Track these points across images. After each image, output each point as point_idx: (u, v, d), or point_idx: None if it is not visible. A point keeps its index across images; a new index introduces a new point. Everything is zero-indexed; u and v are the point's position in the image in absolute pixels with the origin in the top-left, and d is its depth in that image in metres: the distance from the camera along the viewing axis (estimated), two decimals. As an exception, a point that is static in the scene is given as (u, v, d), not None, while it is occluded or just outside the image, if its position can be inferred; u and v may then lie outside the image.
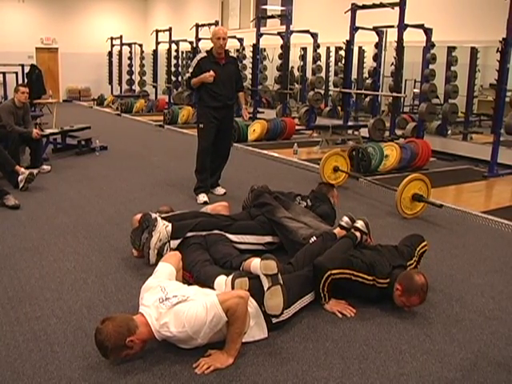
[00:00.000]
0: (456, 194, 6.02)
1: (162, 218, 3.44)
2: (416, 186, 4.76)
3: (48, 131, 7.52)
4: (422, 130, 7.79)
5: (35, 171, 5.59)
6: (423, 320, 2.83)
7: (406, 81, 9.25)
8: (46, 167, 6.39)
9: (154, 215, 3.42)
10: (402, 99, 8.85)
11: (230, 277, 2.68)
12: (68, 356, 2.40)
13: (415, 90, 9.80)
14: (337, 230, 3.41)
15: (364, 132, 8.31)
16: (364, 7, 7.97)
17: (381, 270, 2.90)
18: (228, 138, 5.41)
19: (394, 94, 7.68)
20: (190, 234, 3.42)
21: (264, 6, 13.69)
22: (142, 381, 2.24)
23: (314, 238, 3.32)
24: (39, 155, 6.42)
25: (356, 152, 6.44)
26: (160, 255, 3.24)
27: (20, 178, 5.41)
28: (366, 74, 9.45)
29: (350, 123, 9.01)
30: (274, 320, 2.63)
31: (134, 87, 15.81)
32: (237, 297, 2.32)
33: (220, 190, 5.44)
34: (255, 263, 2.77)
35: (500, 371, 2.38)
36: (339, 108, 9.92)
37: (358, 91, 9.57)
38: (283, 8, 12.64)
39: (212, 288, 2.74)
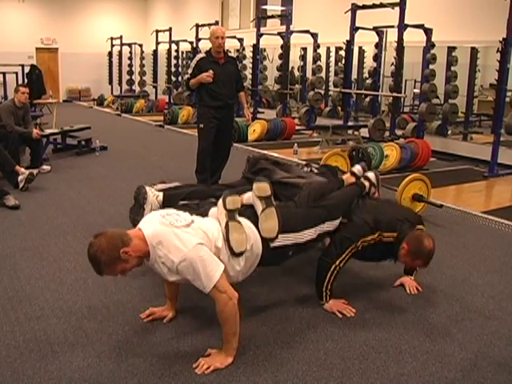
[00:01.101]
0: (456, 194, 6.02)
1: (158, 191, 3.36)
2: (416, 186, 4.76)
3: (48, 131, 7.53)
4: (422, 130, 7.79)
5: (35, 171, 5.59)
6: (423, 320, 2.83)
7: (406, 81, 9.25)
8: (45, 167, 6.39)
9: (145, 188, 3.33)
10: (402, 99, 8.84)
11: (221, 197, 2.61)
12: (68, 356, 2.40)
13: (415, 90, 9.80)
14: (346, 176, 3.28)
15: (364, 132, 8.31)
16: (364, 7, 7.97)
17: (387, 221, 2.83)
18: (228, 138, 5.41)
19: (394, 94, 7.68)
20: (182, 203, 3.32)
21: (264, 6, 13.70)
22: (142, 381, 2.24)
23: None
24: (39, 155, 6.42)
25: (356, 152, 6.43)
26: None
27: (20, 178, 5.41)
28: (366, 74, 9.45)
29: (350, 123, 9.01)
30: (272, 244, 2.59)
31: (134, 87, 15.81)
32: (226, 293, 2.25)
33: (220, 190, 5.42)
34: (247, 194, 2.75)
35: (500, 371, 2.38)
36: (339, 108, 9.92)
37: (358, 91, 9.57)
38: (283, 8, 12.65)
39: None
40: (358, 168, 3.29)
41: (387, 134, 7.93)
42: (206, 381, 2.24)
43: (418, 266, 2.84)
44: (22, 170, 5.45)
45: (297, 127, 9.76)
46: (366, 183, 3.17)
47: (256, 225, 2.59)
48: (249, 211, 2.66)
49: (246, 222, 2.57)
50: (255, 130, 9.03)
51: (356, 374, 2.32)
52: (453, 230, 4.49)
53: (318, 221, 2.83)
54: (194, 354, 2.40)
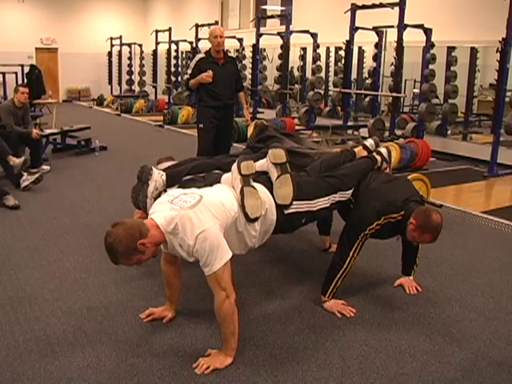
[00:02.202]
0: (456, 194, 6.02)
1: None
2: (416, 186, 4.74)
3: (48, 131, 7.51)
4: (421, 130, 7.79)
5: (39, 172, 5.59)
6: (423, 320, 2.83)
7: (405, 81, 9.25)
8: (45, 167, 6.38)
9: (149, 165, 3.29)
10: (402, 99, 8.85)
11: (236, 162, 2.58)
12: (68, 356, 2.40)
13: (415, 90, 9.80)
14: (358, 149, 3.23)
15: (364, 132, 8.31)
16: (364, 7, 7.97)
17: (394, 204, 2.82)
18: (228, 138, 5.41)
19: (394, 94, 7.68)
20: (187, 178, 3.27)
21: (264, 6, 13.69)
22: (141, 381, 2.23)
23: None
24: (39, 155, 6.42)
25: (356, 152, 6.43)
26: None
27: (24, 178, 5.44)
28: (365, 74, 9.46)
29: (349, 123, 9.01)
30: (286, 211, 2.58)
31: (133, 87, 15.81)
32: (225, 291, 2.24)
33: (220, 190, 5.42)
34: (261, 161, 2.73)
35: (500, 371, 2.38)
36: (339, 108, 9.91)
37: (358, 91, 9.57)
38: (283, 8, 12.64)
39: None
40: (370, 142, 3.24)
41: (387, 133, 7.93)
42: (206, 381, 2.24)
43: (427, 240, 2.80)
44: (14, 159, 5.43)
45: (296, 127, 9.75)
46: (378, 157, 3.14)
47: (270, 191, 2.57)
48: (263, 177, 2.64)
49: (260, 188, 2.55)
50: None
51: (356, 374, 2.32)
52: (453, 229, 4.49)
53: (331, 190, 2.82)
54: (194, 354, 2.40)
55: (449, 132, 8.55)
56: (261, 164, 2.74)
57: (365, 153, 3.20)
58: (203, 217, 2.24)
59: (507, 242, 4.21)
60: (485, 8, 7.97)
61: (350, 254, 2.81)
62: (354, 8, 8.09)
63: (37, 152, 6.36)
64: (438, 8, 8.79)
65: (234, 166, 2.59)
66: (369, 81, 8.57)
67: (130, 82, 15.69)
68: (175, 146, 8.83)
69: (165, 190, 3.20)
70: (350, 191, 2.94)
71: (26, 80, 12.60)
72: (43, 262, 3.53)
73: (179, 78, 13.45)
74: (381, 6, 7.53)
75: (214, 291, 2.27)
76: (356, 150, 3.23)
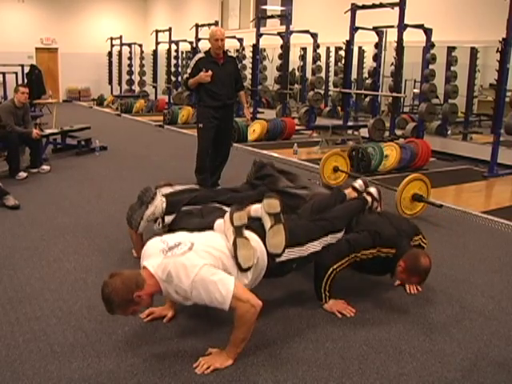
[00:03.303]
0: (456, 194, 6.02)
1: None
2: (416, 186, 4.76)
3: (48, 131, 7.53)
4: (421, 130, 7.79)
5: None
6: (423, 320, 2.83)
7: (405, 81, 9.25)
8: (45, 167, 6.39)
9: (153, 189, 3.37)
10: (402, 99, 8.85)
11: (228, 212, 2.63)
12: (68, 356, 2.40)
13: (415, 90, 9.80)
14: (348, 191, 3.32)
15: (364, 132, 8.30)
16: (364, 7, 7.96)
17: (387, 237, 2.86)
18: (228, 138, 5.42)
19: (394, 94, 7.68)
20: (185, 208, 3.35)
21: (264, 6, 13.69)
22: (142, 381, 2.24)
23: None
24: (39, 155, 6.43)
25: (356, 152, 6.43)
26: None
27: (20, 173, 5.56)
28: (365, 74, 9.44)
29: (349, 123, 9.00)
30: (277, 259, 2.62)
31: (133, 87, 15.80)
32: (248, 302, 2.24)
33: (220, 190, 5.43)
34: (255, 206, 2.76)
35: (500, 371, 2.38)
36: (339, 108, 9.90)
37: (358, 91, 9.56)
38: (283, 8, 12.64)
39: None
40: (359, 183, 3.34)
41: (387, 133, 7.93)
42: (206, 381, 2.24)
43: (414, 282, 2.89)
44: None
45: (297, 127, 9.76)
46: (369, 198, 3.23)
47: (262, 238, 2.61)
48: (256, 224, 2.67)
49: (252, 236, 2.58)
50: (255, 130, 9.03)
51: (356, 374, 2.32)
52: (453, 230, 4.49)
53: (322, 233, 2.86)
54: (194, 354, 2.40)
55: (449, 132, 8.55)
56: (255, 209, 2.76)
57: (355, 194, 3.29)
58: (194, 261, 2.27)
59: (507, 242, 4.21)
60: (485, 8, 7.96)
61: (334, 267, 2.81)
62: (354, 8, 8.08)
63: (37, 152, 6.37)
64: (438, 8, 8.79)
65: (227, 217, 2.62)
66: (369, 81, 8.56)
67: (130, 82, 15.69)
68: (175, 146, 8.84)
69: (162, 218, 3.30)
70: (341, 234, 2.97)
71: (26, 80, 12.59)
72: (43, 262, 3.53)
73: (179, 78, 13.45)
74: (381, 6, 7.52)
75: (236, 308, 2.24)
76: (346, 191, 3.32)
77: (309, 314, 2.84)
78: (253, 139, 8.89)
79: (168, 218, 3.33)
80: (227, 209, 3.25)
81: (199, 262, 2.27)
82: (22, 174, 5.97)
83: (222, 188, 3.69)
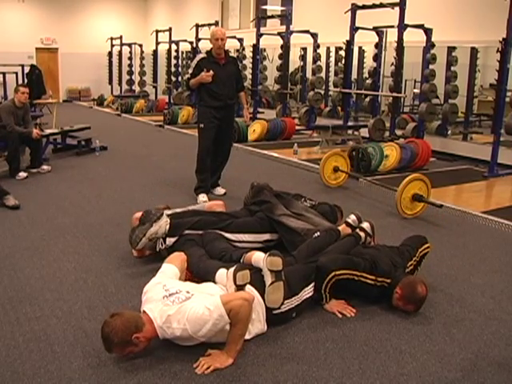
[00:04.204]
0: (456, 194, 6.02)
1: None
2: (416, 186, 4.76)
3: (48, 131, 7.53)
4: (422, 130, 7.79)
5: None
6: (423, 320, 2.83)
7: (406, 81, 9.25)
8: (45, 167, 6.39)
9: (161, 210, 3.44)
10: (402, 99, 8.85)
11: (232, 269, 2.68)
12: (68, 356, 2.40)
13: (415, 90, 9.80)
14: (342, 227, 3.42)
15: (364, 132, 8.31)
16: (364, 7, 7.96)
17: (383, 268, 2.91)
18: (228, 138, 5.41)
19: (394, 94, 7.68)
20: (187, 232, 3.42)
21: (264, 6, 13.70)
22: (142, 381, 2.24)
23: (318, 233, 3.32)
24: (39, 155, 6.43)
25: (356, 152, 6.43)
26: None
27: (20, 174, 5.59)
28: (366, 74, 9.45)
29: (349, 123, 9.00)
30: (275, 311, 2.65)
31: (133, 87, 15.82)
32: (241, 298, 2.32)
33: (220, 190, 5.44)
34: (257, 256, 2.80)
35: (500, 371, 2.38)
36: (339, 108, 9.90)
37: (358, 91, 9.56)
38: (283, 8, 12.64)
39: (213, 281, 2.75)
40: (352, 218, 3.43)
41: (387, 134, 7.93)
42: (206, 381, 2.24)
43: (409, 310, 2.88)
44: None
45: (297, 127, 9.76)
46: (362, 234, 3.30)
47: (261, 292, 2.63)
48: (256, 276, 2.69)
49: (252, 291, 2.60)
50: (255, 130, 9.03)
51: (356, 374, 2.32)
52: (453, 230, 4.49)
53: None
54: (194, 354, 2.39)
55: (449, 132, 8.55)
56: (257, 260, 2.79)
57: (349, 230, 3.37)
58: (187, 308, 2.31)
59: (507, 242, 4.21)
60: (485, 8, 7.96)
61: (337, 273, 2.81)
62: (355, 8, 8.08)
63: (37, 152, 6.37)
64: (438, 8, 8.79)
65: (230, 274, 2.65)
66: (369, 81, 8.56)
67: (131, 82, 15.70)
68: (175, 146, 8.84)
69: (163, 238, 3.37)
70: None
71: (26, 80, 12.58)
72: (43, 262, 3.53)
73: (179, 78, 13.46)
74: (381, 6, 7.53)
75: (232, 309, 2.28)
76: (340, 228, 3.40)
77: (309, 314, 2.84)
78: (253, 139, 8.90)
79: (169, 240, 3.39)
80: (227, 234, 3.43)
81: (191, 305, 2.33)
82: (22, 174, 5.97)
83: (222, 214, 3.74)
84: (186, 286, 2.58)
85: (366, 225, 3.36)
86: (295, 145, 7.76)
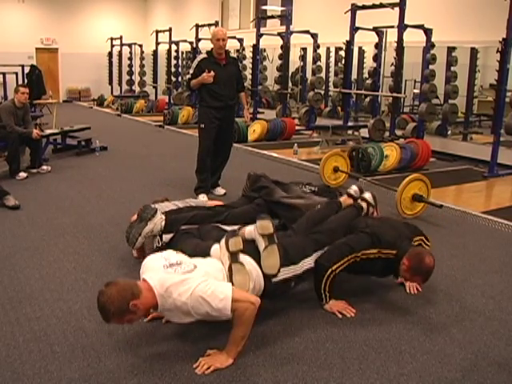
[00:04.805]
0: (456, 194, 6.02)
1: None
2: (416, 186, 4.76)
3: (48, 131, 7.53)
4: (421, 130, 7.79)
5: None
6: (423, 320, 2.83)
7: (405, 81, 9.25)
8: (45, 167, 6.39)
9: (154, 207, 3.39)
10: (402, 99, 8.85)
11: (224, 238, 2.65)
12: (68, 356, 2.40)
13: (415, 91, 9.80)
14: (343, 198, 3.32)
15: (364, 132, 8.31)
16: (364, 7, 7.97)
17: (387, 239, 2.86)
18: (229, 139, 5.42)
19: (394, 95, 7.68)
20: (184, 227, 3.37)
21: (264, 7, 13.70)
22: (142, 381, 2.24)
23: (319, 206, 3.27)
24: (39, 155, 6.43)
25: (356, 152, 6.44)
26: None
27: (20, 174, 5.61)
28: (365, 75, 9.45)
29: (349, 123, 9.00)
30: (273, 280, 2.63)
31: (134, 87, 15.82)
32: (248, 301, 2.28)
33: (220, 191, 5.44)
34: (249, 228, 2.79)
35: (500, 372, 2.38)
36: (339, 108, 9.91)
37: (358, 91, 9.57)
38: (283, 8, 12.64)
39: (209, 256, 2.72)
40: (354, 189, 3.34)
41: (387, 134, 7.93)
42: (206, 381, 2.24)
43: (417, 282, 2.88)
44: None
45: (297, 127, 9.76)
46: (364, 204, 3.24)
47: (257, 260, 2.62)
48: (250, 246, 2.69)
49: (247, 260, 2.60)
50: (255, 130, 9.03)
51: (356, 374, 2.32)
52: (453, 230, 4.49)
53: (317, 247, 2.88)
54: (194, 354, 2.40)
55: (449, 132, 8.56)
56: (249, 232, 2.78)
57: (350, 201, 3.29)
58: (194, 279, 2.29)
59: (507, 242, 4.21)
60: (485, 8, 7.97)
61: (333, 268, 2.80)
62: (354, 8, 8.09)
63: (37, 152, 6.37)
64: (438, 8, 8.79)
65: (223, 243, 2.64)
66: (369, 81, 8.57)
67: (131, 83, 15.70)
68: (175, 146, 8.84)
69: (160, 235, 3.31)
70: None
71: (26, 80, 12.58)
72: (43, 262, 3.53)
73: (179, 79, 13.45)
74: (381, 6, 7.53)
75: (236, 310, 2.27)
76: (341, 199, 3.32)
77: (309, 315, 2.84)
78: (253, 139, 8.90)
79: (166, 237, 3.35)
80: (225, 227, 3.34)
81: (199, 278, 2.31)
82: (22, 175, 5.97)
83: (219, 206, 3.71)
84: (187, 257, 2.53)
85: (367, 195, 3.27)
86: (295, 145, 7.76)
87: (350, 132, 9.00)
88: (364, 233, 2.90)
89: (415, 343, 2.59)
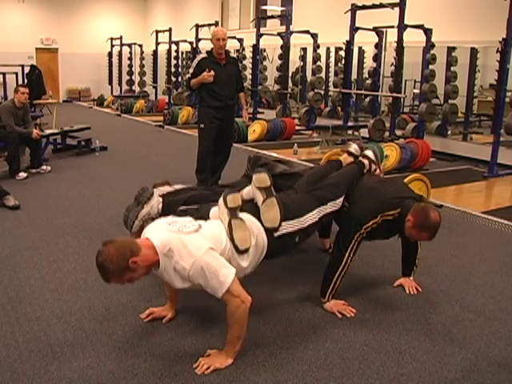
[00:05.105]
0: (456, 194, 6.02)
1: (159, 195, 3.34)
2: (416, 186, 4.75)
3: (48, 131, 7.52)
4: (421, 130, 7.79)
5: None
6: (423, 320, 2.83)
7: (405, 81, 9.25)
8: (45, 167, 6.39)
9: (151, 189, 3.33)
10: (402, 99, 8.85)
11: (222, 196, 2.61)
12: (68, 356, 2.40)
13: (415, 91, 9.80)
14: (343, 157, 3.22)
15: (364, 132, 8.31)
16: (364, 7, 7.97)
17: (388, 202, 2.80)
18: (228, 139, 5.42)
19: (394, 95, 7.68)
20: (182, 208, 3.28)
21: (264, 7, 13.70)
22: (142, 381, 2.24)
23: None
24: (39, 156, 6.43)
25: (356, 152, 6.42)
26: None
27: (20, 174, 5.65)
28: (365, 75, 9.45)
29: (349, 123, 9.01)
30: (275, 234, 2.59)
31: (133, 88, 15.82)
32: (239, 297, 2.24)
33: (220, 191, 5.43)
34: (247, 189, 2.76)
35: (500, 371, 2.38)
36: (339, 108, 9.91)
37: (358, 91, 9.57)
38: (283, 8, 12.64)
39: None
40: (354, 147, 3.21)
41: (387, 134, 7.93)
42: (206, 381, 2.24)
43: (424, 239, 2.79)
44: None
45: (297, 127, 9.76)
46: (365, 161, 3.12)
47: (258, 217, 2.58)
48: (249, 205, 2.65)
49: (247, 217, 2.56)
50: (255, 130, 9.03)
51: (356, 375, 2.32)
52: (453, 230, 4.49)
53: (320, 202, 2.81)
54: (194, 354, 2.39)
55: (449, 132, 8.56)
56: (247, 191, 2.75)
57: (351, 159, 3.18)
58: (199, 243, 2.25)
59: (507, 242, 4.21)
60: (485, 8, 7.97)
61: (346, 255, 2.80)
62: (354, 8, 8.09)
63: (37, 152, 6.37)
64: (438, 8, 8.79)
65: (221, 200, 2.60)
66: (369, 81, 8.57)
67: (131, 83, 15.70)
68: (175, 146, 8.84)
69: (158, 218, 3.22)
70: (340, 200, 2.91)
71: (26, 80, 12.59)
72: (43, 262, 3.53)
73: (179, 79, 13.45)
74: (381, 6, 7.53)
75: (227, 302, 2.25)
76: (341, 157, 3.22)
77: (309, 315, 2.84)
78: (253, 139, 8.90)
79: None
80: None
81: (205, 244, 2.26)
82: (22, 175, 5.97)
83: (217, 186, 3.64)
84: (192, 219, 2.48)
85: (369, 152, 3.16)
86: (295, 145, 7.76)
87: (350, 132, 9.00)
88: (362, 207, 2.82)
89: (415, 343, 2.59)
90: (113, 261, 2.14)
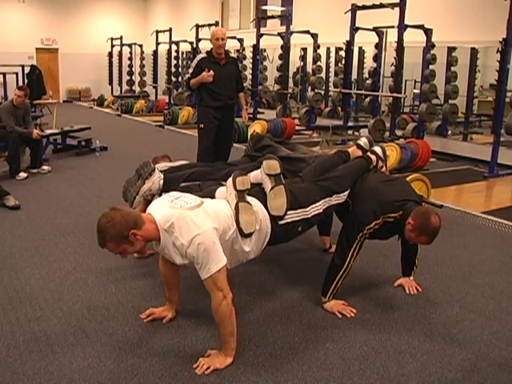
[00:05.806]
0: (456, 194, 6.02)
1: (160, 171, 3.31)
2: (416, 186, 4.74)
3: (48, 132, 7.52)
4: (422, 130, 7.78)
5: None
6: (423, 320, 2.83)
7: (406, 81, 9.25)
8: (46, 168, 6.38)
9: (152, 165, 3.29)
10: (402, 100, 8.85)
11: (231, 177, 2.59)
12: (68, 356, 2.40)
13: (415, 91, 9.81)
14: (352, 149, 3.20)
15: (364, 132, 8.31)
16: (364, 8, 7.97)
17: (391, 205, 2.79)
18: (228, 139, 5.42)
19: (394, 95, 7.68)
20: (183, 184, 3.26)
21: (264, 7, 13.70)
22: (142, 381, 2.23)
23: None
24: (39, 156, 6.43)
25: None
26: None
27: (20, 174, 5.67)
28: (366, 75, 9.46)
29: (350, 124, 9.01)
30: (280, 222, 2.58)
31: (134, 88, 15.82)
32: (221, 292, 2.23)
33: (220, 191, 5.43)
34: (255, 172, 2.74)
35: (500, 372, 2.37)
36: (339, 108, 9.92)
37: (358, 92, 9.57)
38: (283, 8, 12.65)
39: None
40: (364, 141, 3.19)
41: (387, 134, 7.93)
42: (206, 381, 2.24)
43: (423, 242, 2.79)
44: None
45: (297, 127, 9.75)
46: (373, 157, 3.11)
47: (264, 202, 2.57)
48: (256, 189, 2.64)
49: (255, 202, 2.55)
50: (255, 130, 9.02)
51: (356, 375, 2.32)
52: (453, 230, 4.49)
53: (325, 194, 2.80)
54: (194, 354, 2.40)
55: (449, 132, 8.55)
56: (255, 175, 2.73)
57: (359, 152, 3.17)
58: (201, 220, 2.24)
59: (507, 242, 4.21)
60: (485, 8, 7.97)
61: (349, 255, 2.80)
62: (355, 8, 8.09)
63: (37, 152, 6.37)
64: (439, 8, 8.80)
65: (230, 181, 2.58)
66: (369, 81, 8.57)
67: (131, 83, 15.70)
68: (175, 146, 8.83)
69: (159, 195, 3.20)
70: (345, 193, 2.91)
71: (26, 80, 12.60)
72: (44, 262, 3.53)
73: (179, 79, 13.45)
74: (381, 6, 7.53)
75: (210, 293, 2.27)
76: (350, 150, 3.20)
77: (309, 315, 2.84)
78: (253, 139, 8.87)
79: None
80: (225, 183, 3.14)
81: (207, 222, 2.24)
82: (23, 175, 5.97)
83: (219, 163, 3.60)
84: (195, 196, 2.47)
85: (377, 149, 3.15)
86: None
87: (350, 132, 9.00)
88: (365, 208, 2.81)
89: (415, 343, 2.59)
90: (115, 225, 2.14)
